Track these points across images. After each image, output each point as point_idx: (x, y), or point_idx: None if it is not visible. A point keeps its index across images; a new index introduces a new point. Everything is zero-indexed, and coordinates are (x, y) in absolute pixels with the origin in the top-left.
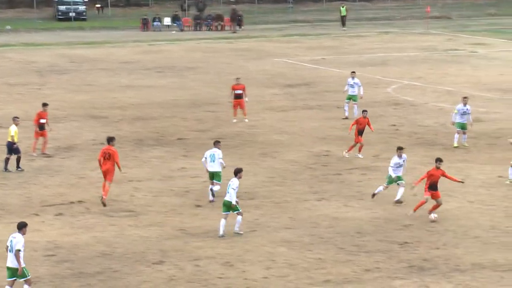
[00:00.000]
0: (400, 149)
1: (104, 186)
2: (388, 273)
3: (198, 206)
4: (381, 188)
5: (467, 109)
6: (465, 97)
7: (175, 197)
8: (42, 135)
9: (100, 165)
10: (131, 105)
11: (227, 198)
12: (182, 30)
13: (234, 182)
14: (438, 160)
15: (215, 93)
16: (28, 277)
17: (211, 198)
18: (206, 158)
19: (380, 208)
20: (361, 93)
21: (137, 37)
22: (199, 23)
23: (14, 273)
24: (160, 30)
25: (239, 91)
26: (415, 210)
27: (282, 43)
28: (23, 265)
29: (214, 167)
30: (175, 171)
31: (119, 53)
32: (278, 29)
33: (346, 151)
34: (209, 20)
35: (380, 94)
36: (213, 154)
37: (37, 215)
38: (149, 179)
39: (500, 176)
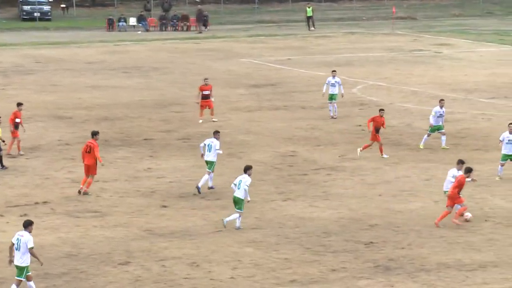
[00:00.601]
0: (461, 163)
1: (84, 181)
2: (354, 273)
3: (164, 206)
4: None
5: (443, 111)
6: (441, 100)
7: (141, 197)
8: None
9: (83, 158)
10: (96, 106)
11: (237, 194)
12: (147, 30)
13: (247, 180)
14: (470, 170)
15: (181, 93)
16: (21, 279)
17: (209, 184)
18: (204, 145)
19: (346, 208)
20: (342, 91)
21: (103, 37)
22: (164, 23)
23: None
24: (125, 30)
25: (207, 92)
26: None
27: (248, 43)
28: (28, 264)
29: (209, 157)
30: (141, 171)
31: (85, 53)
32: (244, 29)
33: (361, 149)
34: (175, 21)
35: (346, 94)
36: (210, 144)
37: (1, 216)
38: (115, 179)
39: None
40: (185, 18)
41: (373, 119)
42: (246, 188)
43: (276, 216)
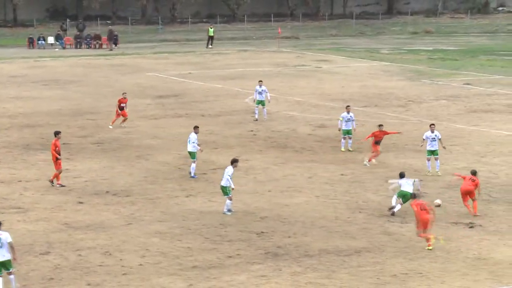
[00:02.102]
0: (401, 175)
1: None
2: (248, 259)
3: (81, 202)
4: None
5: (351, 116)
6: (348, 106)
7: (60, 195)
8: None
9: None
10: (19, 114)
11: (221, 183)
12: (64, 48)
13: (229, 169)
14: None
15: (95, 103)
16: (11, 271)
17: (191, 174)
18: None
19: (240, 203)
20: (269, 98)
21: (24, 54)
22: (79, 41)
23: (3, 266)
24: (44, 48)
25: (123, 104)
26: None
27: (154, 59)
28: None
29: (188, 148)
30: None
31: (8, 68)
32: (150, 47)
33: (367, 160)
34: (89, 39)
35: (239, 104)
36: (189, 138)
37: None
38: (37, 179)
39: (342, 174)
40: (97, 37)
41: (373, 134)
42: (228, 177)
43: (179, 210)
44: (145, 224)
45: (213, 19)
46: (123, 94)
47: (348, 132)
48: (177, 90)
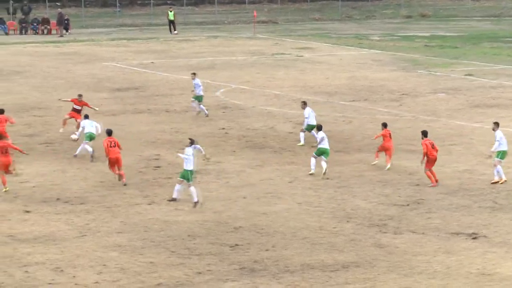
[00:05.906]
0: None
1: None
2: (220, 276)
3: (27, 211)
4: None
5: (311, 111)
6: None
7: (4, 202)
8: None
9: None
10: None
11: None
12: (7, 34)
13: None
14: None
15: (43, 97)
16: None
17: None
18: None
19: (211, 211)
20: (197, 93)
21: None
22: (25, 26)
23: None
24: None
25: (78, 107)
26: None
27: (111, 47)
28: None
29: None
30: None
31: None
32: (106, 33)
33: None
34: (35, 24)
35: (209, 98)
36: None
37: None
38: None
39: (327, 178)
40: (46, 21)
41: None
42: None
43: (141, 219)
44: (101, 236)
45: (178, 1)
46: (78, 96)
47: (311, 128)
48: (137, 82)
